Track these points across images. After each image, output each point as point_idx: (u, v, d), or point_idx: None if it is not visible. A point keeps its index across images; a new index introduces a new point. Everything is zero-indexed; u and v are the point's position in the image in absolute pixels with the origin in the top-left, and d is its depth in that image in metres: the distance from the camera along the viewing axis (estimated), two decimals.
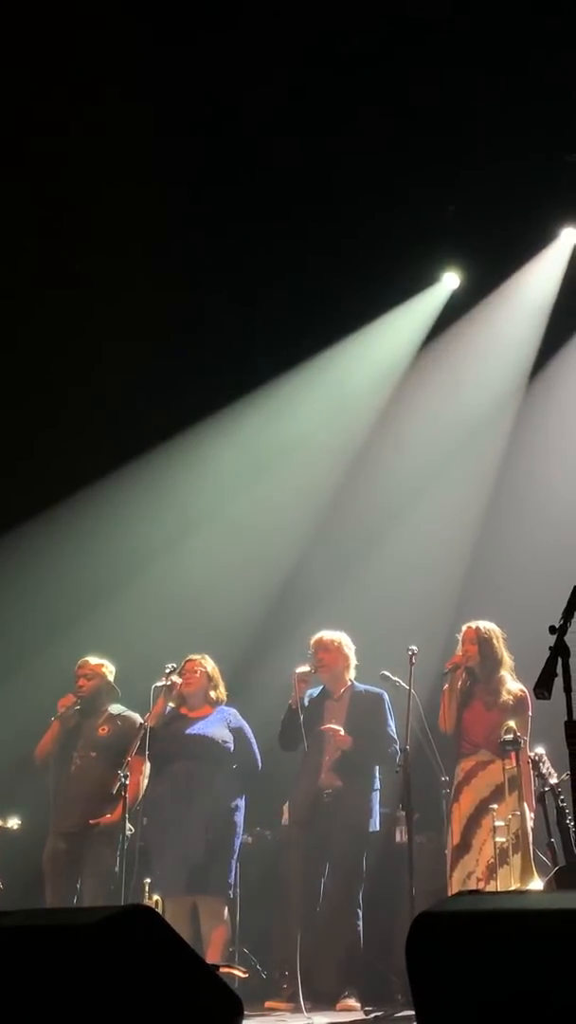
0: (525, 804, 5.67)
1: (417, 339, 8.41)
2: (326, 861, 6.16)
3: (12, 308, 7.55)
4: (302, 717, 6.18)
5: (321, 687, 6.45)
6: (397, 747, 6.18)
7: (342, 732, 6.19)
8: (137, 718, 6.40)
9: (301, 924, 5.96)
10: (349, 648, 6.43)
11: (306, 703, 6.31)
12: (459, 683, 6.08)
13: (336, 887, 6.12)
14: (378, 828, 6.26)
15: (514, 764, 5.69)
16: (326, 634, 6.44)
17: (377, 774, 6.31)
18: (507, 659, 6.07)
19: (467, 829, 5.81)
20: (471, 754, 5.97)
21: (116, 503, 8.17)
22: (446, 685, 6.10)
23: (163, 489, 8.30)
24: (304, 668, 6.30)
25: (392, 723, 6.28)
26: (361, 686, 6.41)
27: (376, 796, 6.28)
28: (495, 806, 5.69)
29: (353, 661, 6.43)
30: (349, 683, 6.41)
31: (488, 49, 6.62)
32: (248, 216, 7.38)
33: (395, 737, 6.23)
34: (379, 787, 6.31)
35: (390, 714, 6.31)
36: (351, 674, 6.42)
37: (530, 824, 5.64)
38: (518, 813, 5.63)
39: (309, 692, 6.38)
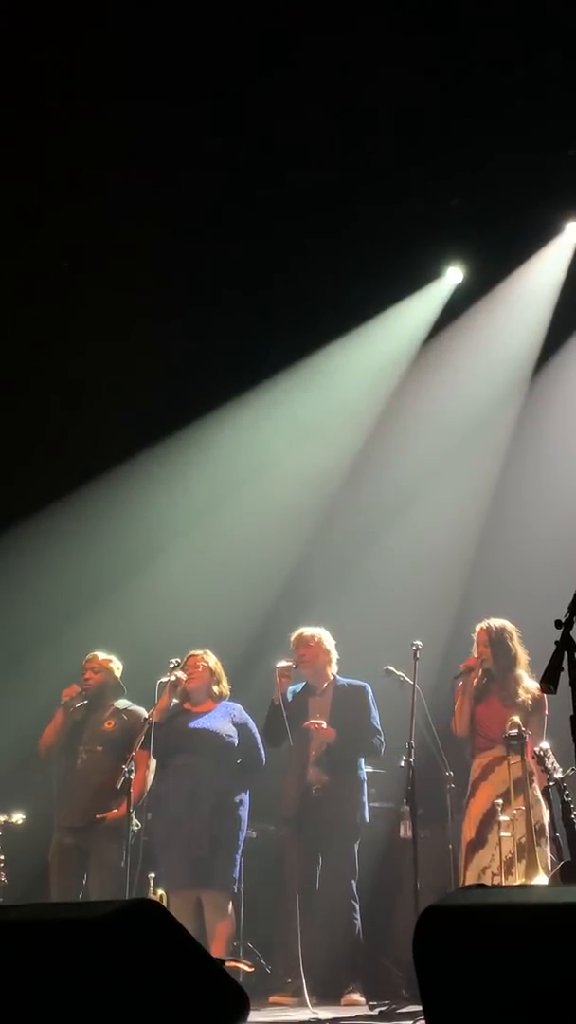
0: (539, 799, 5.66)
1: (420, 334, 8.40)
2: (319, 856, 6.16)
3: (11, 304, 7.54)
4: (285, 713, 6.16)
5: (303, 683, 6.44)
6: (381, 738, 6.23)
7: (324, 726, 6.19)
8: (143, 713, 6.41)
9: (301, 920, 5.96)
10: (330, 643, 6.42)
11: (289, 698, 6.29)
12: (473, 685, 6.05)
13: (331, 881, 6.13)
14: (368, 819, 6.26)
15: (519, 759, 5.68)
16: (306, 630, 6.43)
17: (363, 766, 6.32)
18: (522, 656, 6.03)
19: (483, 825, 5.79)
20: (487, 749, 5.94)
21: (119, 500, 8.16)
22: (460, 684, 6.07)
23: (166, 485, 8.30)
24: (285, 663, 6.29)
25: (376, 714, 6.29)
26: (343, 679, 6.41)
27: (364, 788, 6.29)
28: (503, 802, 5.68)
29: (334, 655, 6.42)
30: (332, 677, 6.40)
31: (492, 43, 6.60)
32: (249, 210, 7.36)
33: (379, 728, 6.26)
34: (365, 779, 6.32)
35: (373, 705, 6.31)
36: (333, 668, 6.41)
37: (547, 819, 5.62)
38: (523, 808, 5.62)
39: (292, 688, 6.37)
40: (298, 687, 6.43)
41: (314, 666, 6.37)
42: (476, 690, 6.05)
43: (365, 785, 6.31)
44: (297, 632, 6.44)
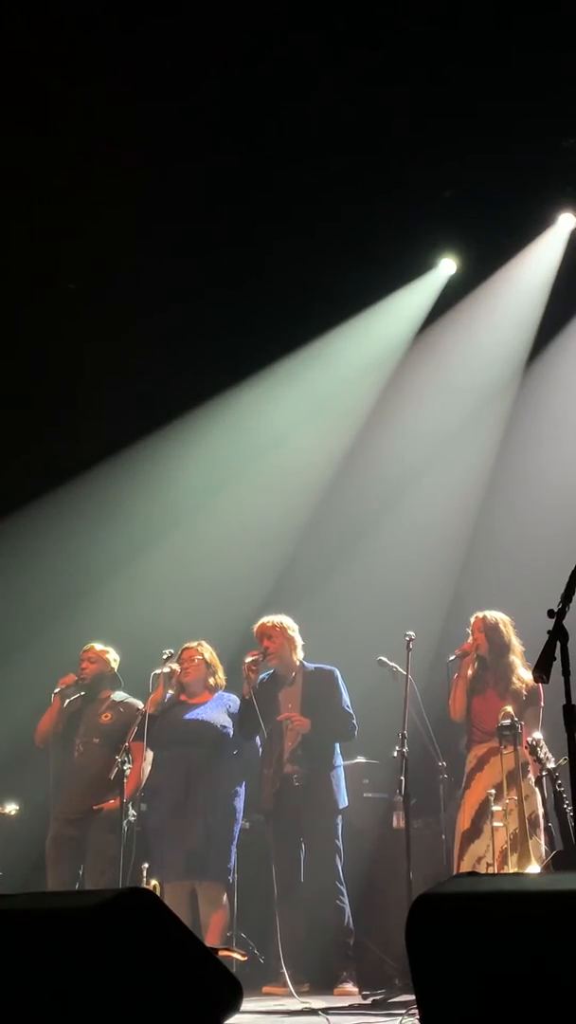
0: (534, 790, 5.68)
1: (413, 326, 8.40)
2: (301, 843, 6.17)
3: (13, 298, 7.54)
4: (257, 706, 6.16)
5: (271, 672, 6.43)
6: (354, 722, 6.24)
7: (298, 715, 6.20)
8: (139, 705, 6.42)
9: (284, 909, 5.97)
10: (293, 630, 6.41)
11: (257, 688, 6.27)
12: (469, 670, 6.09)
13: (315, 866, 6.13)
14: (347, 803, 6.26)
15: (512, 750, 5.69)
16: (267, 620, 6.42)
17: (339, 752, 6.33)
18: (516, 645, 6.09)
19: (478, 815, 5.81)
20: (483, 742, 5.98)
21: (114, 490, 8.16)
22: (456, 673, 6.11)
23: (161, 474, 8.30)
24: (252, 658, 6.29)
25: (347, 697, 6.30)
26: (311, 664, 6.40)
27: (340, 772, 6.29)
28: (495, 792, 5.70)
29: (299, 641, 6.40)
30: (299, 664, 6.40)
31: (486, 34, 6.59)
32: (243, 202, 7.35)
33: (351, 711, 6.26)
34: (341, 764, 6.32)
35: (344, 689, 6.31)
36: (299, 654, 6.40)
37: (541, 809, 5.64)
38: (515, 798, 5.64)
39: (260, 677, 6.36)
40: (264, 676, 6.40)
41: (280, 655, 6.36)
42: (471, 679, 6.08)
43: (341, 770, 6.31)
44: (258, 623, 6.43)
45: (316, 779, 6.15)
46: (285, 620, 6.42)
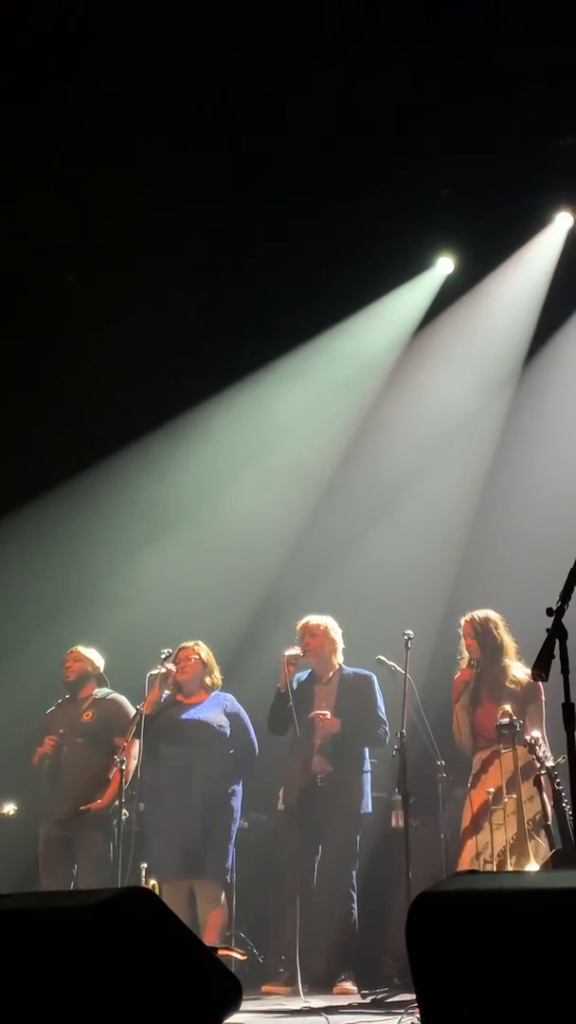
0: (538, 790, 5.66)
1: (410, 325, 8.39)
2: (319, 845, 6.17)
3: (15, 294, 7.53)
4: (292, 701, 6.16)
5: (309, 671, 6.44)
6: (386, 728, 6.24)
7: (329, 716, 6.20)
8: (122, 699, 6.45)
9: (297, 908, 5.97)
10: (336, 632, 6.42)
11: (295, 687, 6.29)
12: (468, 695, 6.04)
13: (330, 870, 6.14)
14: (370, 810, 6.27)
15: (511, 750, 5.68)
16: (312, 619, 6.43)
17: (367, 756, 6.33)
18: (509, 643, 6.04)
19: (479, 815, 5.79)
20: (487, 747, 5.96)
21: (108, 492, 8.16)
22: (457, 700, 6.06)
23: (156, 477, 8.29)
24: (293, 651, 6.30)
25: (382, 704, 6.29)
26: (350, 669, 6.41)
27: (367, 778, 6.29)
28: (496, 793, 5.69)
29: (340, 645, 6.42)
30: (338, 666, 6.40)
31: (483, 33, 6.59)
32: (244, 198, 7.34)
33: (384, 719, 6.26)
34: (369, 769, 6.32)
35: (379, 695, 6.31)
36: (339, 658, 6.41)
37: (541, 809, 5.63)
38: (516, 797, 5.64)
39: (297, 676, 6.37)
40: (303, 675, 6.42)
41: (319, 655, 6.37)
42: (471, 691, 6.03)
43: (368, 776, 6.31)
44: (303, 620, 6.44)
45: (341, 781, 6.16)
46: (329, 622, 6.44)
